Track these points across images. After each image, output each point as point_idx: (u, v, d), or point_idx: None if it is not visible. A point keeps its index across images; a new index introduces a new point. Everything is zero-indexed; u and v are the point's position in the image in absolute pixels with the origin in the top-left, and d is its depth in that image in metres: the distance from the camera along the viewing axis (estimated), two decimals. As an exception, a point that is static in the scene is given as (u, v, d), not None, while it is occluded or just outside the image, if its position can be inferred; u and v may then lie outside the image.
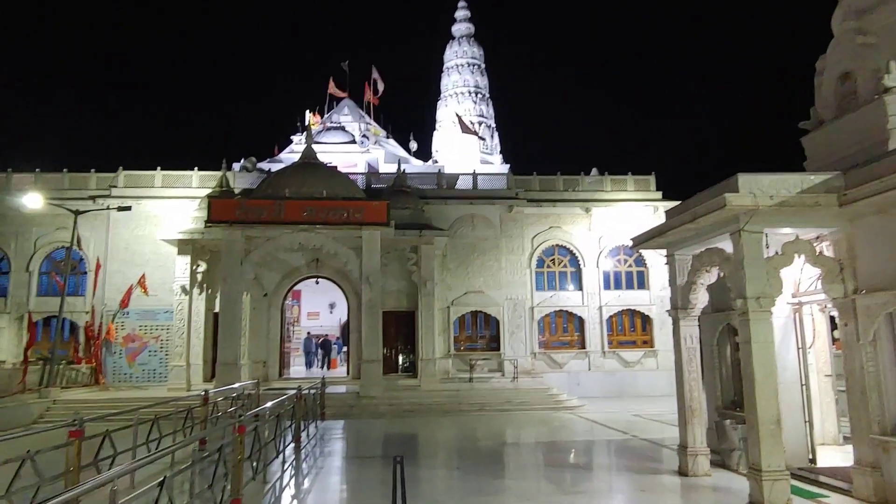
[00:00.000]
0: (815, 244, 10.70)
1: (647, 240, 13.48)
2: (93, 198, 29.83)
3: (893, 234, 9.84)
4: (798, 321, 12.95)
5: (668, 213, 13.24)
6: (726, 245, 10.78)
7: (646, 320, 31.37)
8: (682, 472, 12.17)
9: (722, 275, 11.19)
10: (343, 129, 39.80)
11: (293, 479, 11.27)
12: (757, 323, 10.08)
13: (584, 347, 30.92)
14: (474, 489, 11.50)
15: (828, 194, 10.27)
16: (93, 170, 31.52)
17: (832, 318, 12.68)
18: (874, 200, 9.72)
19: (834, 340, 13.44)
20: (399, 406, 23.46)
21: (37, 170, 31.47)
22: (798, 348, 12.89)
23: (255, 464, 11.13)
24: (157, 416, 13.16)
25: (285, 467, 12.48)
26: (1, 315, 29.77)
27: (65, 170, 31.55)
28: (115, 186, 30.52)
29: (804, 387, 12.79)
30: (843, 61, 12.54)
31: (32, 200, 26.66)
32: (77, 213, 26.53)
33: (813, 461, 12.49)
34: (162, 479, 6.89)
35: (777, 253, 10.42)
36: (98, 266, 29.79)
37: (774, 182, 10.25)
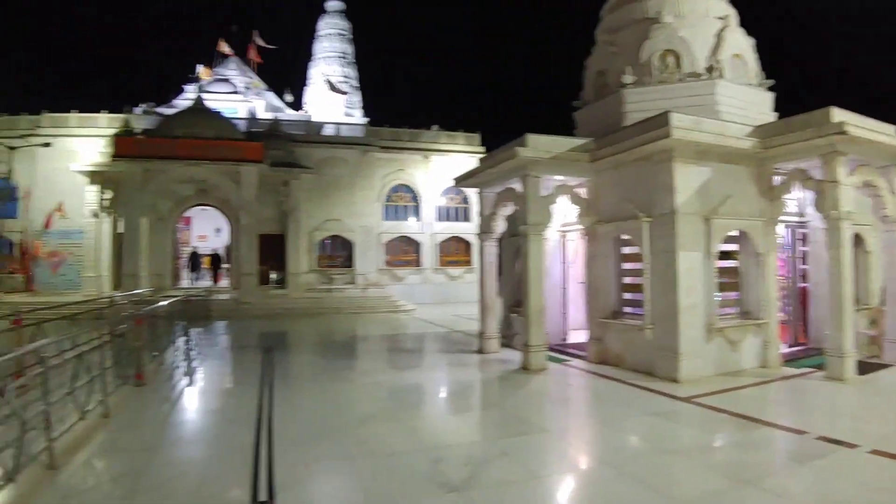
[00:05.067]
0: (575, 189, 12.01)
1: (464, 179, 14.42)
2: (23, 136, 28.10)
3: (619, 183, 11.35)
4: (563, 244, 14.48)
5: (481, 160, 14.16)
6: (518, 186, 11.85)
7: (467, 245, 32.91)
8: (480, 351, 13.35)
9: (516, 208, 12.32)
10: (229, 81, 38.32)
11: (184, 362, 11.33)
12: (533, 243, 11.34)
13: (419, 265, 32.15)
14: (328, 367, 11.86)
15: (584, 153, 11.60)
16: (23, 113, 29.50)
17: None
18: (610, 160, 11.21)
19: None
20: (271, 310, 23.63)
21: None
22: (562, 263, 14.44)
23: (151, 350, 11.20)
24: (74, 314, 13.10)
25: (177, 353, 12.45)
26: None
27: (3, 113, 29.54)
28: (39, 126, 28.67)
29: (564, 290, 14.42)
30: (600, 62, 13.93)
31: None
32: (12, 149, 25.57)
33: (565, 339, 14.27)
34: (79, 353, 7.16)
35: (550, 193, 11.68)
36: (27, 194, 28.27)
37: (551, 142, 11.45)
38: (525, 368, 11.05)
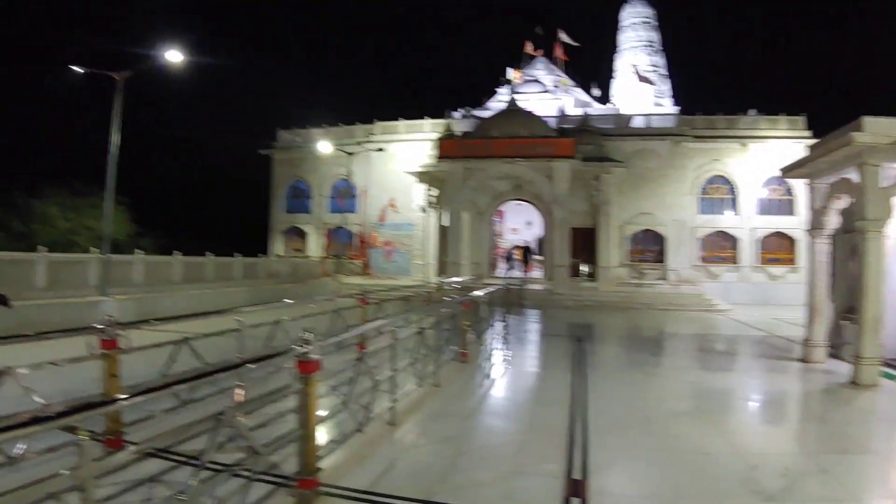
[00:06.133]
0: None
1: (792, 169, 13.11)
2: (359, 143, 33.18)
3: None
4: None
5: (810, 147, 12.81)
6: (854, 176, 10.46)
7: (791, 241, 29.66)
8: (803, 360, 12.06)
9: (851, 201, 10.90)
10: (538, 80, 39.77)
11: (502, 344, 12.05)
12: (871, 241, 9.89)
13: (736, 262, 29.92)
14: (636, 361, 11.90)
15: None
16: (359, 123, 35.00)
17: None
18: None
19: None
20: (581, 302, 24.05)
21: (323, 125, 35.76)
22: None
23: (475, 331, 12.00)
24: (407, 296, 14.95)
25: (495, 336, 13.02)
26: (309, 225, 34.94)
27: (342, 123, 35.35)
28: (372, 134, 33.65)
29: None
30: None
31: (324, 147, 30.74)
32: (350, 154, 30.32)
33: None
34: (418, 330, 8.14)
35: (893, 184, 10.05)
36: (364, 192, 33.26)
37: (890, 124, 9.85)
38: (854, 383, 9.69)
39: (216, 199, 49.08)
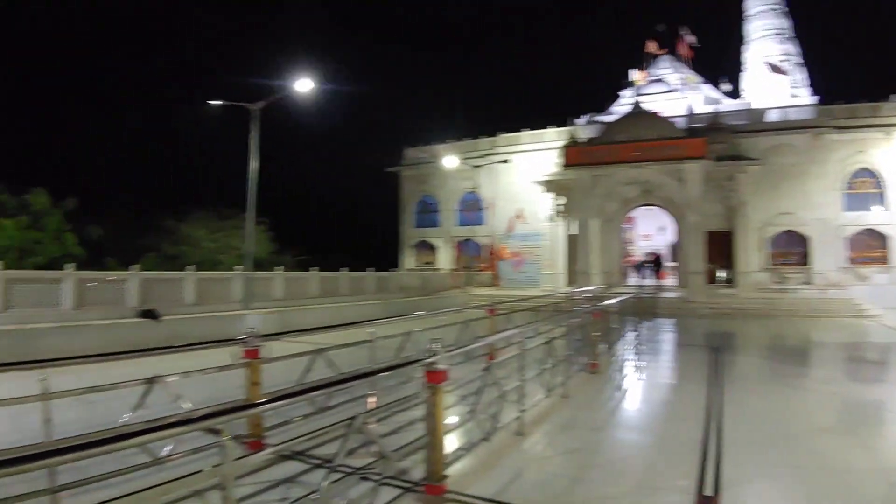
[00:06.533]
0: None
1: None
2: (483, 155, 34.06)
3: None
4: None
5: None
6: None
7: (952, 238, 27.22)
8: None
9: None
10: (662, 80, 38.96)
11: (633, 355, 12.04)
12: None
13: (887, 263, 27.84)
14: (778, 373, 11.55)
15: None
16: (483, 136, 35.92)
17: None
18: None
19: None
20: (718, 310, 23.43)
21: (448, 140, 37.10)
22: None
23: (604, 342, 11.60)
24: (535, 306, 15.33)
25: (627, 347, 13.10)
26: (438, 239, 36.37)
27: (467, 137, 36.53)
28: (496, 146, 34.46)
29: None
30: None
31: (449, 162, 31.81)
32: (476, 167, 31.20)
33: None
34: (547, 340, 8.26)
35: None
36: (490, 204, 34.11)
37: None
38: None
39: (349, 216, 51.74)
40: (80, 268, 15.48)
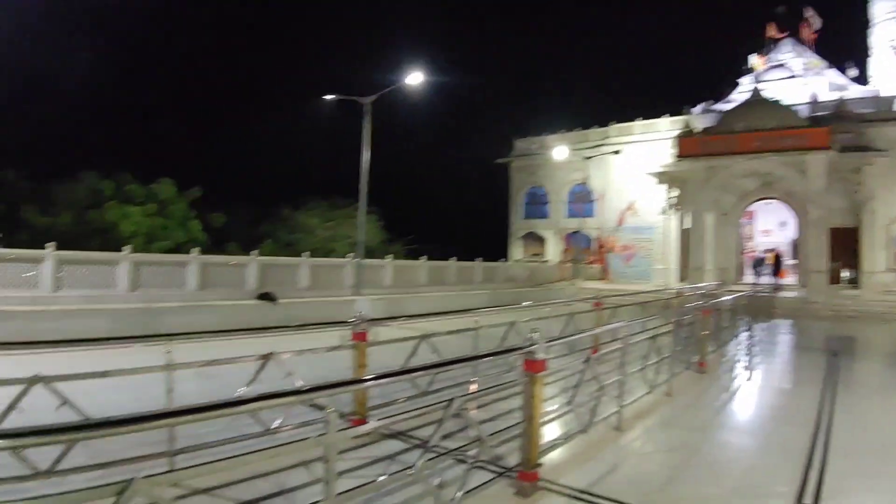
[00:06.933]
0: None
1: None
2: (594, 146, 33.58)
3: None
4: None
5: None
6: None
7: None
8: None
9: None
10: (784, 65, 36.46)
11: (744, 355, 11.35)
12: None
13: None
14: None
15: None
16: (593, 126, 35.23)
17: None
18: None
19: None
20: (840, 312, 22.07)
21: (559, 131, 36.55)
22: None
23: (714, 341, 11.38)
24: (645, 301, 15.09)
25: (738, 347, 12.64)
26: (547, 230, 36.46)
27: (577, 128, 35.94)
28: (608, 137, 33.79)
29: None
30: None
31: (559, 153, 31.72)
32: (587, 158, 30.96)
33: None
34: (651, 336, 8.20)
35: None
36: (601, 196, 33.67)
37: None
38: None
39: (458, 207, 52.36)
40: (203, 252, 16.72)
